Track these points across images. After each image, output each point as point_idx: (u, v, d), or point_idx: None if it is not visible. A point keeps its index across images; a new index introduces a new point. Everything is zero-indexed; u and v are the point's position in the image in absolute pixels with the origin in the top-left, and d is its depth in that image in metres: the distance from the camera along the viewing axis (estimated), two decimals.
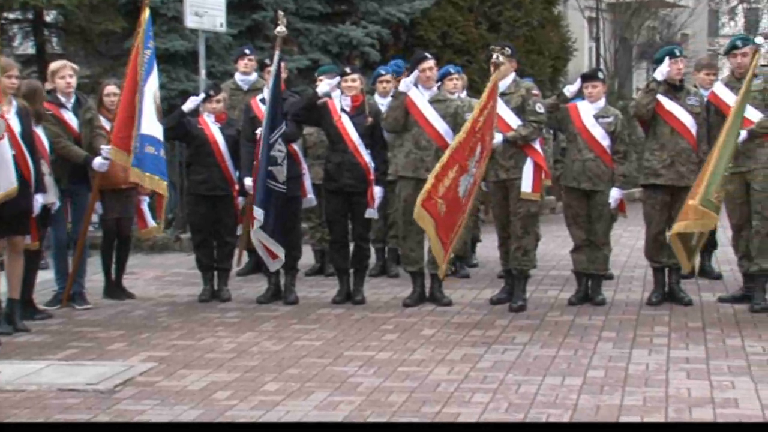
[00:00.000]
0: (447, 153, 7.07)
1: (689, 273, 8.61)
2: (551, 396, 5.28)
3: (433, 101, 7.73)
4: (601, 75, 8.01)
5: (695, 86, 8.33)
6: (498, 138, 7.45)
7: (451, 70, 8.73)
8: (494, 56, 7.24)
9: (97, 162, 7.53)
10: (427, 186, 6.98)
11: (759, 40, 7.44)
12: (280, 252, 7.58)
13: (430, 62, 7.77)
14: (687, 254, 7.16)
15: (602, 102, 7.80)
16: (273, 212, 7.51)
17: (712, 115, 7.67)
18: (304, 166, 8.08)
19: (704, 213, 6.77)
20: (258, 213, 7.44)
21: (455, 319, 7.32)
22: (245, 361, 6.10)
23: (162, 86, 9.04)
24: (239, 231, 8.19)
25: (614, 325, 7.01)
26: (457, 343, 6.51)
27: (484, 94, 7.19)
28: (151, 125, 7.57)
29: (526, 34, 14.70)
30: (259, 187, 7.49)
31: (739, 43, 7.54)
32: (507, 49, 7.63)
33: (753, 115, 7.37)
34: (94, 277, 8.38)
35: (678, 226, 6.99)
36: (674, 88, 7.65)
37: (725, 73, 8.15)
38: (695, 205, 6.77)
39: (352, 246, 8.02)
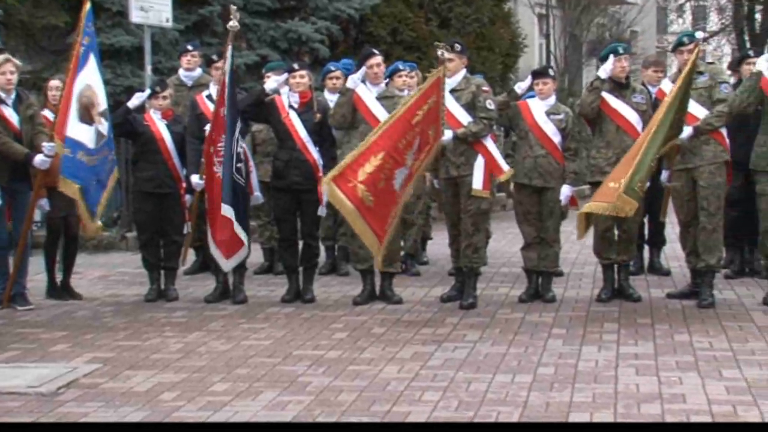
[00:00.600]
0: (370, 137, 6.99)
1: (637, 269, 8.73)
2: (501, 393, 5.26)
3: (381, 98, 7.67)
4: (551, 72, 8.03)
5: (643, 83, 8.37)
6: (448, 135, 7.42)
7: (400, 67, 8.68)
8: (440, 52, 7.22)
9: (38, 159, 7.36)
10: (342, 164, 6.89)
11: (699, 34, 7.48)
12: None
13: (378, 58, 7.72)
14: (585, 228, 7.19)
15: (553, 99, 7.81)
16: (241, 207, 7.53)
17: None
18: (252, 163, 7.99)
19: (626, 200, 6.79)
20: (227, 210, 7.40)
21: (405, 317, 7.28)
22: (193, 362, 6.01)
23: (107, 82, 8.88)
24: (187, 229, 8.07)
25: (564, 322, 7.02)
26: (407, 342, 6.47)
27: (424, 86, 7.16)
28: (71, 125, 7.42)
29: (476, 30, 14.73)
30: (226, 184, 7.43)
31: (685, 39, 7.58)
32: (457, 45, 7.61)
33: (698, 111, 7.41)
34: (37, 277, 8.21)
35: (596, 206, 6.98)
36: (619, 86, 7.67)
37: (674, 70, 8.19)
38: (619, 192, 6.77)
39: (301, 244, 7.94)
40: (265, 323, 7.10)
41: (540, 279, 7.85)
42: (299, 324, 7.06)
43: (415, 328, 6.89)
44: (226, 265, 7.68)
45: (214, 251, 7.62)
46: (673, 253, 9.34)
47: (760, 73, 7.31)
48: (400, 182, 7.05)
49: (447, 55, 7.36)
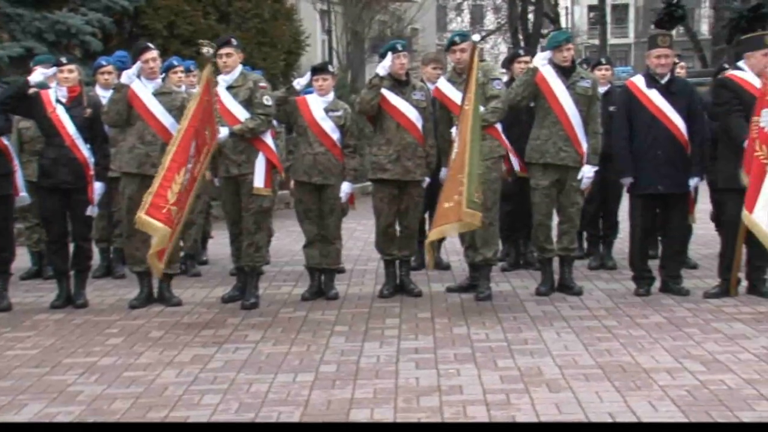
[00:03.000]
0: (167, 157, 6.81)
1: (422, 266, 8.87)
2: (283, 393, 5.19)
3: (158, 94, 7.42)
4: (330, 68, 8.00)
5: (422, 80, 8.49)
6: (224, 132, 7.27)
7: (174, 63, 8.44)
8: (204, 50, 7.07)
9: None
10: (149, 194, 6.71)
11: (476, 37, 7.65)
12: None
13: (153, 53, 7.47)
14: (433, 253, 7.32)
15: (332, 95, 7.80)
16: None
17: (437, 110, 7.84)
18: (16, 162, 7.53)
19: (472, 214, 6.87)
20: None
21: (185, 319, 7.08)
22: None
23: None
24: None
25: (347, 319, 7.02)
26: (186, 344, 6.28)
27: (199, 89, 7.02)
28: None
29: (257, 26, 14.56)
30: None
31: (457, 39, 7.74)
32: (233, 40, 7.47)
33: None
34: None
35: (441, 231, 7.04)
36: (399, 83, 7.75)
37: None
38: (463, 208, 6.82)
39: (72, 246, 7.57)
40: (32, 331, 6.71)
41: (323, 276, 7.83)
42: (70, 331, 6.72)
43: (195, 330, 6.70)
44: None
45: None
46: (452, 248, 9.55)
47: (536, 69, 7.56)
48: (182, 186, 6.85)
49: (222, 50, 7.28)
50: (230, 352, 6.10)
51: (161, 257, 6.86)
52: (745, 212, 7.05)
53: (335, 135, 7.66)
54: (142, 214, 6.70)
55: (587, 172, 7.59)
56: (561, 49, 7.59)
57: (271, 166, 7.49)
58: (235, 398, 5.12)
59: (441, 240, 9.33)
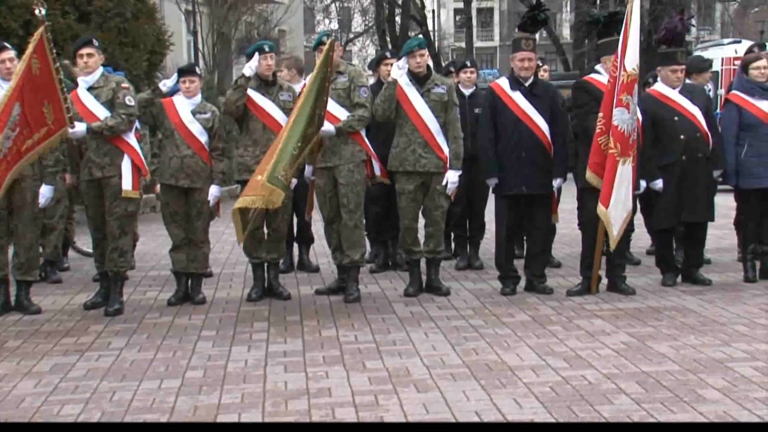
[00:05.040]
0: None
1: (288, 267, 8.83)
2: (148, 401, 5.07)
3: None
4: (198, 70, 7.89)
5: (288, 80, 8.45)
6: (81, 127, 7.07)
7: None
8: (37, 11, 6.78)
9: None
10: None
11: (339, 37, 7.65)
12: None
13: (10, 53, 7.26)
14: (243, 227, 7.22)
15: (199, 97, 7.68)
16: None
17: None
18: None
19: (272, 190, 6.85)
20: None
21: (45, 327, 6.85)
22: None
23: None
24: None
25: (214, 323, 6.92)
26: (46, 353, 6.08)
27: (28, 50, 6.73)
28: None
29: (119, 25, 14.20)
30: None
31: (324, 39, 7.71)
32: (94, 40, 7.31)
33: (338, 112, 7.58)
34: None
35: (244, 201, 6.98)
36: (266, 84, 7.70)
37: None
38: (263, 181, 6.82)
39: None
40: None
41: (189, 281, 7.71)
42: None
43: (55, 338, 6.49)
44: None
45: None
46: (321, 250, 9.54)
47: (395, 82, 7.59)
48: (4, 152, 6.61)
49: (82, 51, 7.14)
50: (93, 360, 5.93)
51: None
52: (600, 207, 7.29)
53: (203, 138, 7.54)
54: None
55: (451, 177, 7.66)
56: (414, 55, 7.62)
57: (137, 169, 7.33)
58: (97, 407, 4.97)
59: (309, 243, 9.34)
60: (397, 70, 7.59)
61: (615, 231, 7.37)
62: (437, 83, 7.70)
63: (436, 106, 7.62)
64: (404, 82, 7.60)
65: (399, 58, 7.79)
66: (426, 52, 7.73)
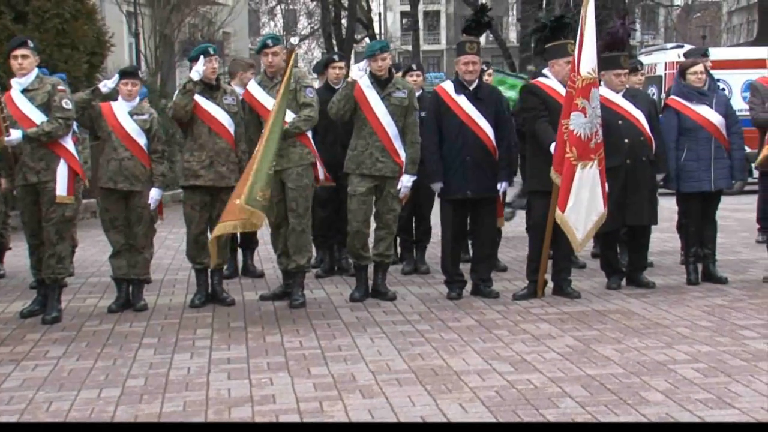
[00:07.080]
0: None
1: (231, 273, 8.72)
2: (86, 411, 4.95)
3: None
4: (140, 73, 7.75)
5: (229, 84, 8.35)
6: (15, 134, 6.91)
7: None
8: None
9: None
10: None
11: (294, 41, 7.58)
12: None
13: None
14: (216, 251, 7.16)
15: (137, 100, 7.56)
16: None
17: (247, 114, 7.72)
18: None
19: (252, 212, 6.77)
20: None
21: None
22: None
23: None
24: None
25: (156, 330, 6.80)
26: None
27: None
28: None
29: (57, 26, 13.94)
30: None
31: (269, 41, 7.63)
32: (29, 41, 7.15)
33: (287, 116, 7.50)
34: None
35: (224, 227, 6.90)
36: (210, 88, 7.59)
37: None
38: (241, 204, 6.73)
39: None
40: None
41: (130, 287, 7.57)
42: None
43: None
44: None
45: None
46: (266, 255, 9.43)
47: (354, 82, 7.53)
48: None
49: (17, 52, 6.99)
50: (29, 369, 5.78)
51: None
52: (558, 212, 7.29)
53: (141, 139, 7.41)
54: None
55: (406, 181, 7.63)
56: (376, 59, 7.58)
57: (73, 174, 7.17)
58: (32, 418, 4.84)
59: (253, 247, 9.23)
60: (357, 72, 7.54)
61: (579, 235, 7.36)
62: (398, 87, 7.66)
63: (396, 110, 7.58)
64: (365, 84, 7.55)
65: (361, 60, 7.71)
66: (388, 55, 7.66)
